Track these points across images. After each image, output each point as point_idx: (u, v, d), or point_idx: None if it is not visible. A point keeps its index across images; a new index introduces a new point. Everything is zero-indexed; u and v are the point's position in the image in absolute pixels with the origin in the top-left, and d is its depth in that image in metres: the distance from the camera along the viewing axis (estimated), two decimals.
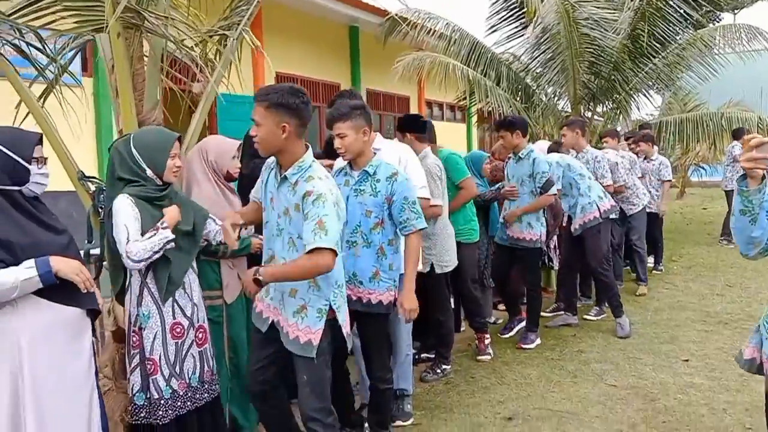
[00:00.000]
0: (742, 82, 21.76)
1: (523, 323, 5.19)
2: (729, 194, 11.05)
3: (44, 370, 2.25)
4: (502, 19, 11.14)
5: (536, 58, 10.44)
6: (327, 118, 3.15)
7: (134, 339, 2.79)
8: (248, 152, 3.62)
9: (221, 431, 3.18)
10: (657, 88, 11.98)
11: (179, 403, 2.87)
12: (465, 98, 10.77)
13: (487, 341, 4.74)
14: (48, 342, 2.26)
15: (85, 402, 2.38)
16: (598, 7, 9.23)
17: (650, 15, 10.02)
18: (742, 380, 4.11)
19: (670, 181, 8.02)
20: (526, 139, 4.99)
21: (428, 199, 3.74)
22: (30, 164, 2.30)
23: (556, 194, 5.12)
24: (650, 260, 7.61)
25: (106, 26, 3.01)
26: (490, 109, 10.37)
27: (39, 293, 2.23)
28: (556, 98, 11.28)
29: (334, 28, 11.60)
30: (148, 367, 2.80)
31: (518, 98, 10.94)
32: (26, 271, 2.16)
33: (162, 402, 2.81)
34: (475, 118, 14.36)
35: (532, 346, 4.94)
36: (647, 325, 5.54)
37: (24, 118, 3.27)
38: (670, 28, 10.57)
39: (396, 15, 10.57)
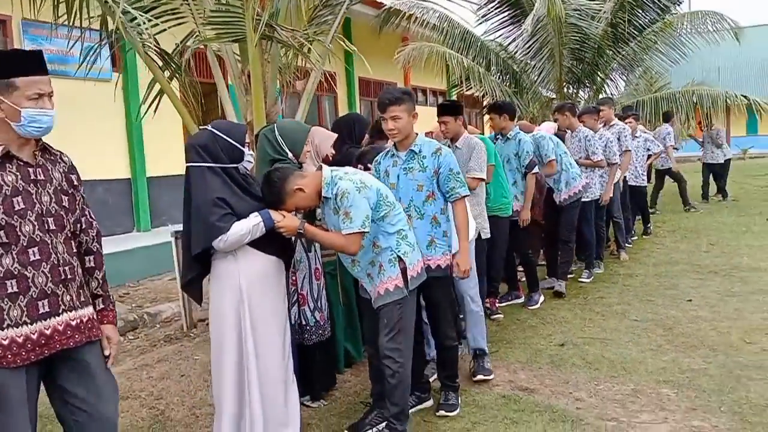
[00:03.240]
0: (702, 63, 23.19)
1: (519, 299, 5.78)
2: (715, 165, 12.40)
3: (257, 301, 3.00)
4: (494, 9, 11.93)
5: (529, 47, 11.23)
6: (381, 103, 3.38)
7: (292, 278, 3.57)
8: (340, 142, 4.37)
9: (334, 362, 4.02)
10: (631, 70, 13.05)
11: (320, 331, 3.68)
12: (460, 84, 11.51)
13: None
14: (259, 281, 3.01)
15: (282, 327, 3.14)
16: None
17: (629, 4, 10.99)
18: (737, 313, 5.08)
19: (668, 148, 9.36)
20: (514, 122, 5.59)
21: (483, 179, 4.47)
22: (243, 147, 3.02)
23: (538, 172, 5.67)
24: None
25: (246, 38, 3.76)
26: (480, 93, 11.26)
27: (251, 245, 2.99)
28: (542, 83, 12.17)
29: None
30: (300, 299, 3.59)
31: (507, 84, 11.84)
32: (254, 219, 2.90)
33: (308, 327, 3.62)
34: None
35: (537, 306, 5.54)
36: (650, 276, 6.51)
37: (140, 114, 3.97)
38: (646, 16, 11.61)
39: (390, 7, 11.33)
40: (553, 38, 10.61)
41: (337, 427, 3.42)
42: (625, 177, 7.72)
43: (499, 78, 11.78)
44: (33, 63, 2.15)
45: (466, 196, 3.46)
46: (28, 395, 2.13)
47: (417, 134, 3.51)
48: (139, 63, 7.63)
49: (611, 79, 12.77)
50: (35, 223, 2.11)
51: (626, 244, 7.72)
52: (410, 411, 3.38)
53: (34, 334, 2.10)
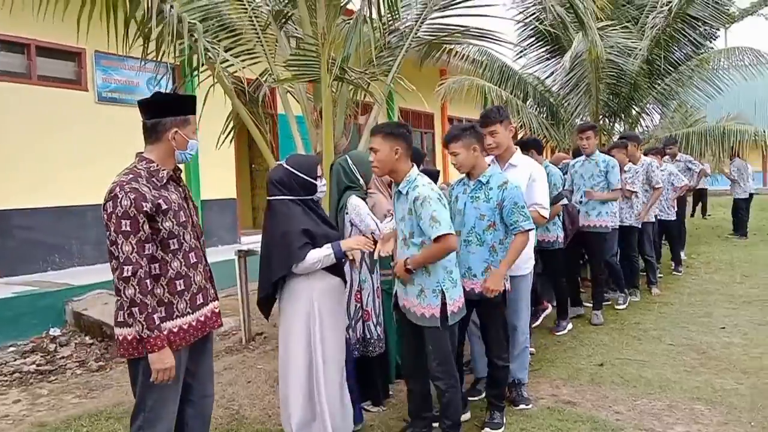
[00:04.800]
0: (738, 97, 23.24)
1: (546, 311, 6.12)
2: (738, 201, 12.52)
3: (326, 314, 3.40)
4: (532, 45, 12.36)
5: (566, 82, 11.59)
6: (443, 141, 3.76)
7: (357, 296, 3.97)
8: None
9: (388, 371, 4.39)
10: (666, 104, 13.31)
11: (381, 344, 4.06)
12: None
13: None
14: (328, 298, 3.42)
15: (342, 337, 3.53)
16: (623, 37, 10.46)
17: (665, 42, 11.32)
18: None
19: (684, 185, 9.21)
20: (542, 156, 5.82)
21: (546, 218, 4.30)
22: (316, 180, 3.44)
23: (568, 204, 5.97)
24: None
25: (320, 79, 4.23)
26: (518, 125, 11.63)
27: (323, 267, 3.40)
28: (578, 116, 12.50)
29: None
30: (364, 315, 3.99)
31: (544, 116, 12.21)
32: (326, 251, 3.31)
33: (371, 341, 4.00)
34: None
35: (564, 332, 5.78)
36: (684, 305, 6.76)
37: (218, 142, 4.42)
38: (682, 53, 11.93)
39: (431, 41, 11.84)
40: (590, 74, 10.96)
41: (396, 428, 3.78)
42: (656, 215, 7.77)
43: (536, 110, 12.17)
44: (194, 105, 2.73)
45: (530, 230, 3.60)
46: (180, 372, 2.64)
47: (490, 165, 3.79)
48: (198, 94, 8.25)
49: (647, 113, 13.07)
50: (191, 232, 2.65)
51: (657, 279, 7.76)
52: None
53: (194, 321, 2.66)
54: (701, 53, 12.06)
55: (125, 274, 2.43)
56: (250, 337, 6.03)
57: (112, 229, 2.45)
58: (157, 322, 2.49)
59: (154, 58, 4.87)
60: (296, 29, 5.00)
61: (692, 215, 15.65)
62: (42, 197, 7.51)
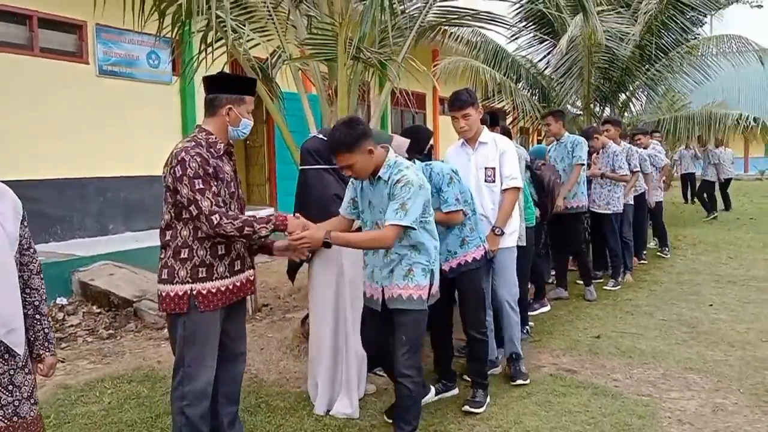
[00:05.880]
0: (723, 83, 23.60)
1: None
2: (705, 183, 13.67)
3: (355, 277, 3.58)
4: (526, 27, 12.49)
5: (560, 65, 11.74)
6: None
7: None
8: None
9: None
10: (655, 89, 13.56)
11: None
12: (492, 97, 12.04)
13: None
14: (357, 264, 3.58)
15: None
16: (617, 22, 10.63)
17: (656, 27, 11.53)
18: (754, 316, 5.62)
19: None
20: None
21: (519, 188, 4.21)
22: None
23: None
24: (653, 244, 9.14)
25: (337, 58, 4.35)
26: (510, 106, 11.81)
27: None
28: (569, 99, 12.70)
29: None
30: None
31: (537, 98, 12.40)
32: None
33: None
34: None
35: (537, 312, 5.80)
36: (673, 284, 7.05)
37: None
38: (671, 38, 12.15)
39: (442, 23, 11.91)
40: (584, 58, 11.13)
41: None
42: (643, 195, 7.92)
43: (528, 92, 12.36)
44: (253, 87, 2.90)
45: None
46: (217, 331, 2.82)
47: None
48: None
49: (636, 97, 13.32)
50: (236, 203, 2.81)
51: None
52: (438, 397, 3.82)
53: (231, 285, 2.82)
54: (690, 39, 12.30)
55: (215, 222, 2.62)
56: (257, 308, 6.19)
57: (187, 189, 2.65)
58: (264, 222, 2.74)
59: (159, 34, 4.94)
60: (310, 8, 5.09)
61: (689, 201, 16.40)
62: (43, 169, 7.56)
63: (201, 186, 2.64)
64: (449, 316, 3.94)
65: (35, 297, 2.20)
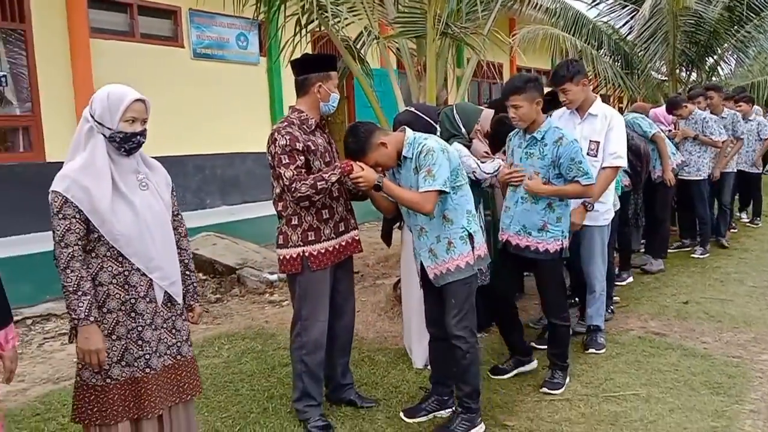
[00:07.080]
0: None
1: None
2: None
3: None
4: None
5: (643, 30, 11.43)
6: (503, 92, 3.56)
7: None
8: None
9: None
10: (745, 52, 12.96)
11: (483, 277, 4.44)
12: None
13: None
14: None
15: None
16: None
17: None
18: None
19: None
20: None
21: (620, 168, 4.15)
22: (436, 123, 3.82)
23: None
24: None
25: (426, 35, 4.55)
26: (592, 74, 11.60)
27: None
28: (654, 65, 12.36)
29: None
30: None
31: (619, 65, 12.13)
32: None
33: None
34: None
35: (624, 283, 5.74)
36: (765, 251, 6.94)
37: None
38: None
39: None
40: (669, 21, 10.82)
41: (500, 350, 4.19)
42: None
43: (610, 59, 12.11)
44: (335, 63, 3.18)
45: (588, 184, 3.44)
46: (327, 288, 3.15)
47: (547, 118, 3.57)
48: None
49: (725, 61, 12.82)
50: None
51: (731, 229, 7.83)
52: (514, 372, 3.80)
53: (336, 245, 3.14)
54: None
55: (293, 189, 2.92)
56: None
57: (276, 164, 2.97)
58: (332, 170, 2.97)
59: (256, 17, 5.27)
60: None
61: None
62: (148, 148, 8.13)
63: (287, 161, 2.94)
64: (512, 297, 4.02)
65: (184, 256, 2.55)
